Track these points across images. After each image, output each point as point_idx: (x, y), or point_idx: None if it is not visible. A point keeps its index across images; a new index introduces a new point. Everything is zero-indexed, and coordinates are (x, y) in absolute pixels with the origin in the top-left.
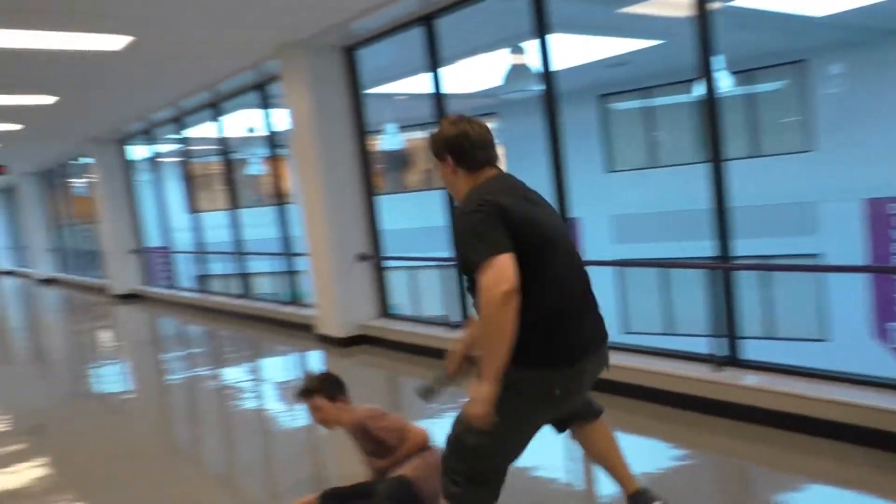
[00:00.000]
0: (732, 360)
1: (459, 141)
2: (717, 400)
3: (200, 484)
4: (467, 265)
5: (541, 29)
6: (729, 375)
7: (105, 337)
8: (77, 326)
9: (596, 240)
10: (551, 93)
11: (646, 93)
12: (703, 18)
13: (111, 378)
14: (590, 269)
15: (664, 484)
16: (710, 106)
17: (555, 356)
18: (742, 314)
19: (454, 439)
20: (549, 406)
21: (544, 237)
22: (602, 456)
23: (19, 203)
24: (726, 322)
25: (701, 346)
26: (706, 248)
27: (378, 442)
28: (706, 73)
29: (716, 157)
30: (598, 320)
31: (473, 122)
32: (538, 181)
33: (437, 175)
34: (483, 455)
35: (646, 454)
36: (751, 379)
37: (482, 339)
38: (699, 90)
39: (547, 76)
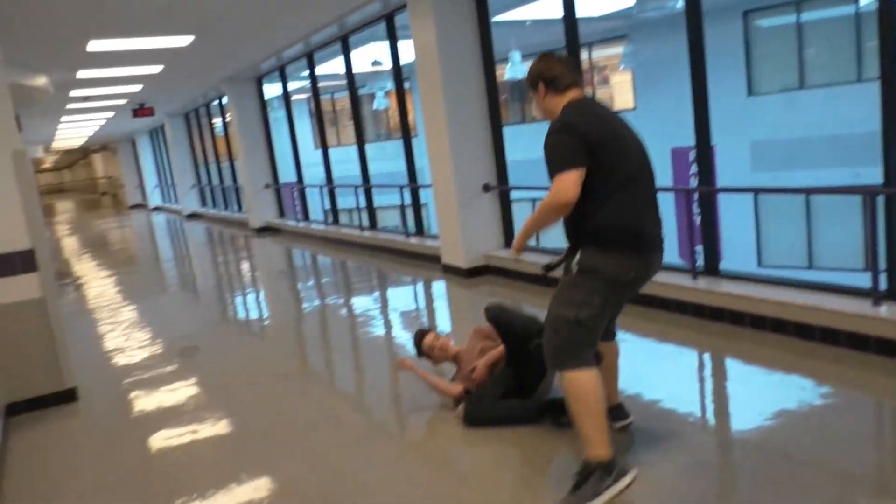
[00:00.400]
0: (893, 295)
1: (547, 71)
2: (872, 336)
3: (334, 404)
4: (550, 175)
5: None
6: (888, 310)
7: (244, 268)
8: (219, 258)
9: (733, 168)
10: (696, 9)
11: (796, 7)
12: None
13: (251, 305)
14: (726, 197)
15: (810, 423)
16: (886, 16)
17: (632, 243)
18: None
19: (550, 319)
20: (624, 288)
21: (621, 149)
22: (604, 367)
23: (166, 143)
24: (887, 254)
25: (846, 281)
26: (858, 175)
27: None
28: None
29: (889, 74)
30: (661, 230)
31: (559, 56)
32: (672, 107)
33: (534, 106)
34: (573, 327)
35: (787, 391)
36: None
37: (534, 215)
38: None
39: None
